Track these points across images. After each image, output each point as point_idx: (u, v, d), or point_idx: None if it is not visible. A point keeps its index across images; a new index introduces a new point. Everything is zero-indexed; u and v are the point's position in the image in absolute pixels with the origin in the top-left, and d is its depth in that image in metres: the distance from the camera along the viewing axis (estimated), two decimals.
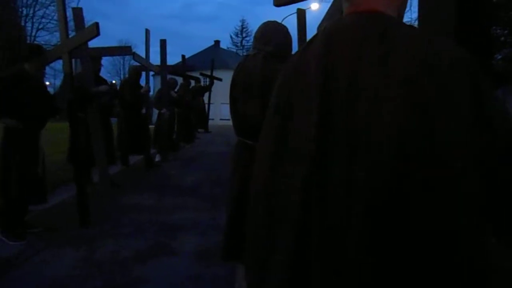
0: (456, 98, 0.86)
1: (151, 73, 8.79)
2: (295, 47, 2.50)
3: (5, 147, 3.64)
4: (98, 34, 4.08)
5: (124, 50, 7.62)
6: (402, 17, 1.10)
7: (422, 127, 0.85)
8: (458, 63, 0.89)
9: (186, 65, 11.66)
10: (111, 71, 46.61)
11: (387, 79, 0.89)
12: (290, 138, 1.01)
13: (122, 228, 4.14)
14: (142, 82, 7.66)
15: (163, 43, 8.55)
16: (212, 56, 16.81)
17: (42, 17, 31.94)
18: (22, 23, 31.18)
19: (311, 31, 2.59)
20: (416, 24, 2.59)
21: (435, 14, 1.67)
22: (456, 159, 0.84)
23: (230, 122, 2.49)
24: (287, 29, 2.35)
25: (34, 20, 32.03)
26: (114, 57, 39.26)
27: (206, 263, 3.24)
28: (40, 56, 3.88)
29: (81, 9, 5.20)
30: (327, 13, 2.97)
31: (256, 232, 1.12)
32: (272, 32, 2.27)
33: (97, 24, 4.05)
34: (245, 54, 2.57)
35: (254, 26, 53.15)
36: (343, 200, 0.89)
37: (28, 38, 30.53)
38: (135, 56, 7.44)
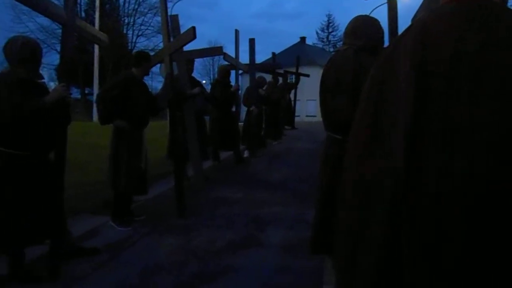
0: None
1: (240, 71, 9.08)
2: (386, 40, 2.44)
3: (115, 146, 4.08)
4: (194, 37, 4.34)
5: (216, 51, 7.97)
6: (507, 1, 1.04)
7: None
8: None
9: (275, 63, 11.86)
10: (201, 72, 48.89)
11: (488, 68, 0.86)
12: (383, 128, 1.01)
13: (215, 219, 4.39)
14: (233, 81, 7.96)
15: (252, 42, 8.77)
16: (297, 53, 16.82)
17: (141, 24, 34.86)
18: (124, 31, 34.27)
19: (403, 22, 2.51)
20: None
21: None
22: None
23: (316, 119, 2.52)
24: (378, 22, 2.31)
25: (134, 28, 35.04)
26: (204, 58, 41.14)
27: (294, 256, 3.32)
28: (149, 62, 4.29)
29: (177, 15, 5.58)
30: (423, 3, 2.84)
31: (346, 223, 1.14)
32: (363, 26, 2.25)
33: (193, 28, 4.32)
34: (332, 49, 2.58)
35: (340, 20, 51.72)
36: (441, 190, 0.88)
37: (130, 44, 33.44)
38: (225, 56, 7.74)
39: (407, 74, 0.96)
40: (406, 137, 0.92)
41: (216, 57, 38.43)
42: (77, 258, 3.23)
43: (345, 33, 2.33)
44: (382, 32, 2.32)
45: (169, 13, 5.20)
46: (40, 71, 3.03)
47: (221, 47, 7.33)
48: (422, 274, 0.90)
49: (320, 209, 2.32)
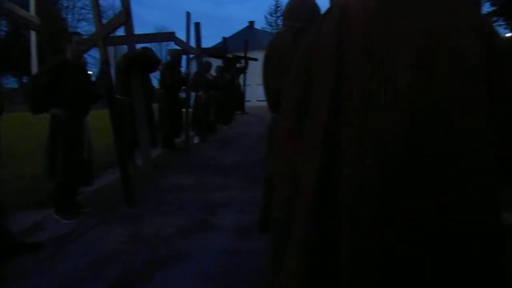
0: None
1: (191, 56, 8.92)
2: None
3: (51, 135, 3.85)
4: (126, 20, 4.35)
5: (168, 36, 7.74)
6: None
7: (431, 87, 0.87)
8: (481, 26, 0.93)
9: (226, 47, 11.76)
10: None
11: (402, 43, 0.90)
12: (308, 104, 1.05)
13: (166, 206, 4.34)
14: (184, 66, 7.87)
15: (197, 27, 8.66)
16: (246, 37, 16.73)
17: (82, 8, 33.14)
18: (63, 15, 32.41)
19: None
20: None
21: None
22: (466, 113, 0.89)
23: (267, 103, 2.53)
24: (314, 2, 2.34)
25: (75, 12, 33.27)
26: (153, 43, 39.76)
27: (245, 238, 3.37)
28: (75, 40, 3.94)
29: None
30: None
31: (279, 196, 1.17)
32: (298, 8, 2.27)
33: (126, 10, 4.30)
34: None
35: None
36: (357, 158, 0.93)
37: (70, 29, 31.72)
38: (177, 40, 7.56)
39: (329, 53, 1.00)
40: (328, 115, 0.97)
41: (165, 42, 37.46)
42: (18, 254, 3.08)
43: (283, 15, 2.36)
44: (318, 11, 2.34)
45: None
46: None
47: (173, 33, 7.12)
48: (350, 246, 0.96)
49: (267, 189, 2.36)
